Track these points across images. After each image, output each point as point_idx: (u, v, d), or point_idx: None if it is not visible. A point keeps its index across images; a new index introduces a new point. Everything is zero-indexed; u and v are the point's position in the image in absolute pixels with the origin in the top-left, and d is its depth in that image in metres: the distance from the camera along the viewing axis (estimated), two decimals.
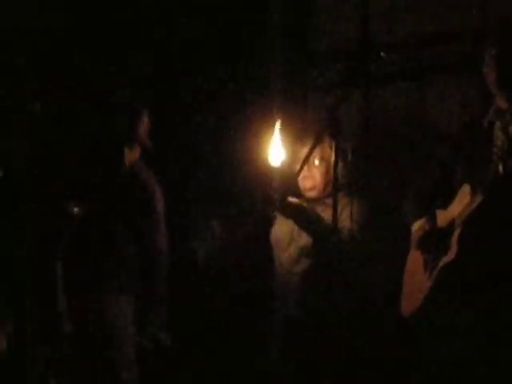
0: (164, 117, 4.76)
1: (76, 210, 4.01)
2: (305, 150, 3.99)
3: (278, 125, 4.01)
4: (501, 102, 3.49)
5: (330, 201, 3.99)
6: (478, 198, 3.37)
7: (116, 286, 4.20)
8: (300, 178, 4.20)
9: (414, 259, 3.69)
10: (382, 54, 4.30)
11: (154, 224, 4.25)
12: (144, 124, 4.29)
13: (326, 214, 4.03)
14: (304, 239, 4.14)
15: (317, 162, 4.20)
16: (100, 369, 4.09)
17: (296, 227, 4.15)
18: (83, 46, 4.75)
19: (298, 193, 4.23)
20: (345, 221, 3.97)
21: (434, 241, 3.56)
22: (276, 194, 3.99)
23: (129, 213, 4.16)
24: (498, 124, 3.50)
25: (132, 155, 4.26)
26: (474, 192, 3.43)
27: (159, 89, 4.85)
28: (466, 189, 3.50)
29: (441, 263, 3.48)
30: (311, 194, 4.23)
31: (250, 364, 4.53)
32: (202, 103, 4.86)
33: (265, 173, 4.17)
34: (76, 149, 4.17)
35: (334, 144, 3.69)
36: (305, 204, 4.13)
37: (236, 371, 4.71)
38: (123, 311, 4.16)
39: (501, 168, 3.32)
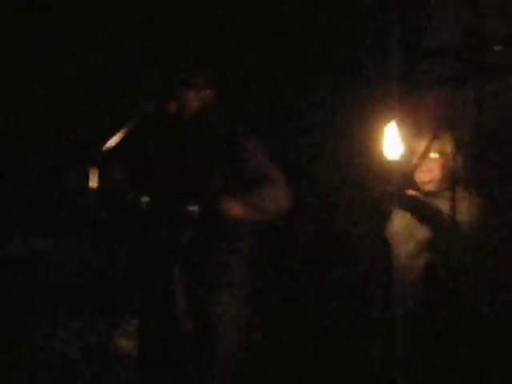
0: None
1: (193, 209, 3.94)
2: (421, 144, 3.98)
3: (395, 119, 4.02)
4: None
5: (447, 194, 4.00)
6: None
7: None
8: (417, 172, 4.17)
9: None
10: (496, 47, 4.25)
11: None
12: None
13: (443, 207, 4.01)
14: (422, 233, 4.10)
15: (435, 156, 4.15)
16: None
17: (413, 221, 4.12)
18: None
19: (415, 186, 4.21)
20: (462, 214, 3.92)
21: None
22: (394, 188, 3.99)
23: None
24: None
25: None
26: None
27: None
28: None
29: None
30: (429, 188, 4.18)
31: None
32: (318, 100, 4.89)
33: (383, 167, 4.19)
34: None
35: (451, 138, 3.67)
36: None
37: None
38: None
39: None
